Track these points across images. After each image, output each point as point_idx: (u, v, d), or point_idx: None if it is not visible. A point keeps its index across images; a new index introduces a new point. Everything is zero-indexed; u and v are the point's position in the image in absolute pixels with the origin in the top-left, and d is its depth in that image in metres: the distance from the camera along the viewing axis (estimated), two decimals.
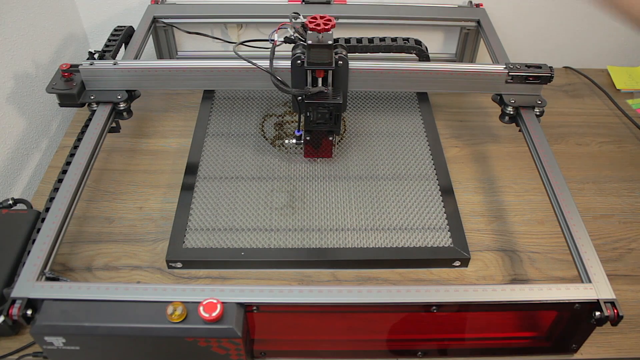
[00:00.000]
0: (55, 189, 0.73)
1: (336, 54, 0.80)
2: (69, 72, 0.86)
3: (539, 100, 0.88)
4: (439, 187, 0.86)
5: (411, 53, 0.96)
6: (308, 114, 0.81)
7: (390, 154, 0.92)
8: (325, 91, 0.80)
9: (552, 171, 0.76)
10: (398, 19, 1.08)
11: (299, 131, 0.87)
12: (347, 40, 0.92)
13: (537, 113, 0.88)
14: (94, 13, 1.13)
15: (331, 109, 0.80)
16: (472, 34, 1.11)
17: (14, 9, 0.91)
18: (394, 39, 0.94)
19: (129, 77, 0.87)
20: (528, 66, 0.87)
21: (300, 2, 1.07)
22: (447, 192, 0.85)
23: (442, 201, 0.84)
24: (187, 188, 0.85)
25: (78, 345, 0.59)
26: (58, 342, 0.58)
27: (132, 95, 0.89)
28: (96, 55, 0.90)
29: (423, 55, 0.96)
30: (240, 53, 0.81)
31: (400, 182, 0.87)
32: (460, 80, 0.89)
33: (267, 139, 0.95)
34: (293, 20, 0.80)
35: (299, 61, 0.79)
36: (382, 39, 0.94)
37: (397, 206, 0.83)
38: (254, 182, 0.87)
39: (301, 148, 0.91)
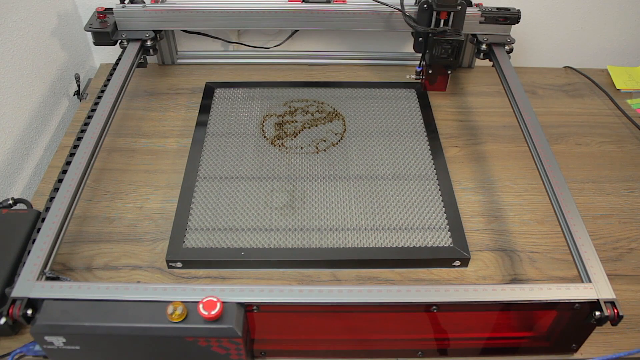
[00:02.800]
0: (55, 189, 0.72)
1: None
2: (103, 14, 0.99)
3: (509, 39, 1.01)
4: (439, 187, 0.86)
5: None
6: (434, 50, 0.96)
7: (390, 154, 0.92)
8: (448, 30, 0.95)
9: (552, 171, 0.76)
10: None
11: (419, 67, 1.03)
12: None
13: (507, 50, 1.00)
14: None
15: (454, 45, 0.95)
16: None
17: (14, 11, 0.91)
18: None
19: (156, 18, 1.00)
20: (498, 8, 1.00)
21: (300, 2, 1.07)
22: (447, 192, 0.85)
23: (442, 201, 0.84)
24: (187, 188, 0.85)
25: (78, 344, 0.59)
26: (58, 341, 0.58)
27: (157, 35, 1.01)
28: (126, 1, 1.01)
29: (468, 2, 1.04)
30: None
31: (400, 182, 0.87)
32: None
33: (267, 139, 0.95)
34: None
35: (425, 5, 0.94)
36: None
37: (397, 206, 0.83)
38: (254, 182, 0.87)
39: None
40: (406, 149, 0.93)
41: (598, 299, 0.61)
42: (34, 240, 0.67)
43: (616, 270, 0.78)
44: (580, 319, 0.63)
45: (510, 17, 0.99)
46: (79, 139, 0.80)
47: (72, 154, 0.78)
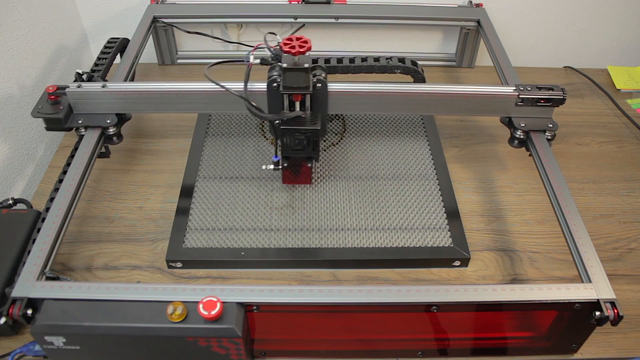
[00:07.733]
0: (56, 189, 0.72)
1: (314, 76, 0.75)
2: (55, 95, 0.81)
3: (550, 123, 0.83)
4: (439, 187, 0.86)
5: (395, 72, 0.86)
6: (285, 140, 0.77)
7: (390, 154, 0.92)
8: (303, 116, 0.75)
9: (552, 171, 0.76)
10: (398, 18, 1.08)
11: (276, 157, 0.82)
12: (327, 61, 0.83)
13: (549, 137, 0.82)
14: (94, 13, 1.13)
15: (308, 135, 0.75)
16: (472, 33, 1.11)
17: (14, 10, 0.91)
18: (376, 59, 0.85)
19: (118, 100, 0.82)
20: (539, 88, 0.82)
21: (300, 2, 1.07)
22: (447, 192, 0.85)
23: (442, 201, 0.84)
24: (187, 188, 0.85)
25: (78, 344, 0.59)
26: (58, 341, 0.58)
27: (122, 118, 0.84)
28: (84, 76, 0.85)
29: (418, 76, 0.87)
30: (212, 77, 0.78)
31: (400, 182, 0.87)
32: (465, 103, 0.83)
33: (267, 139, 0.95)
34: (268, 40, 0.75)
35: (275, 84, 0.74)
36: (364, 59, 0.85)
37: (397, 206, 0.83)
38: (254, 182, 0.87)
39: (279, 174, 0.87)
40: (406, 149, 0.93)
41: (598, 299, 0.61)
42: (34, 240, 0.67)
43: (616, 270, 0.78)
44: (580, 319, 0.63)
45: (554, 98, 0.81)
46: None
47: (72, 155, 0.78)
